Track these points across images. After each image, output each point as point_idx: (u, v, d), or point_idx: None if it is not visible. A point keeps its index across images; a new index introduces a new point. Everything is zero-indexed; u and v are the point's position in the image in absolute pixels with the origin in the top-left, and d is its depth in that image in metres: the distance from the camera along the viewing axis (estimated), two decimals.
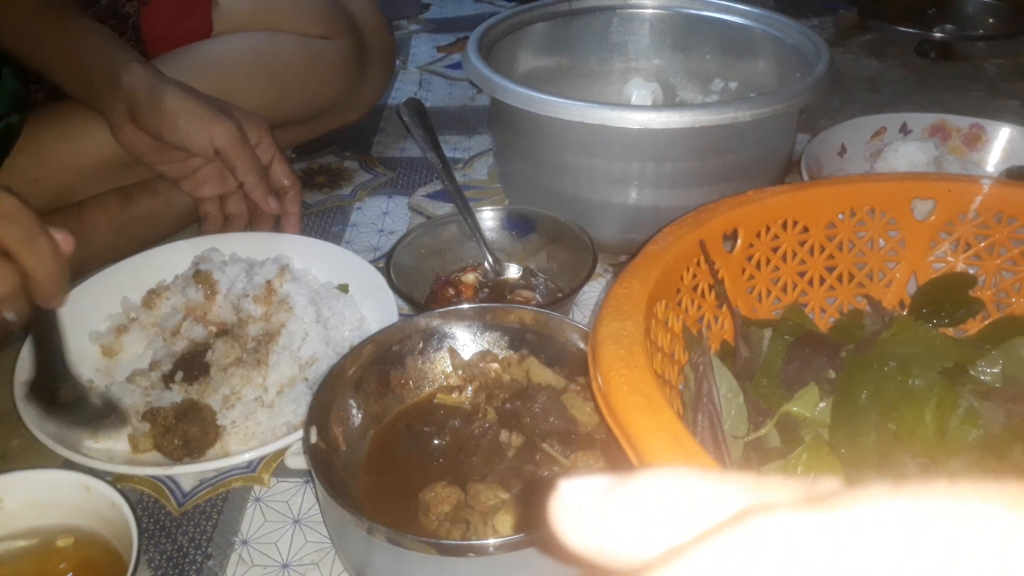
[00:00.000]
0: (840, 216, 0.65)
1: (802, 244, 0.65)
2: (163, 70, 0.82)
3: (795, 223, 0.64)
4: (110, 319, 0.77)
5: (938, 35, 1.45)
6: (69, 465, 0.60)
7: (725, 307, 0.61)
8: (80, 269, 0.81)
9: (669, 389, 0.54)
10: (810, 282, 0.66)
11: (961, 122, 0.96)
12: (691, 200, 0.77)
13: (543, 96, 0.77)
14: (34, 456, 0.65)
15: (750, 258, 0.63)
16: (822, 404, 0.51)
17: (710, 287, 0.61)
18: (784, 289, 0.66)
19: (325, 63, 0.99)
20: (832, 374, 0.54)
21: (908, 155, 0.87)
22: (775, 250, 0.64)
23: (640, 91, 1.02)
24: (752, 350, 0.58)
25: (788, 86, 0.79)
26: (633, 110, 0.79)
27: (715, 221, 0.60)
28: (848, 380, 0.50)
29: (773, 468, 0.49)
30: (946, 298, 0.64)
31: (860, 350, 0.56)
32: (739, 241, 0.62)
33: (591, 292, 0.84)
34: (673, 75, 1.05)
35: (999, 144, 0.95)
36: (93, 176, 0.86)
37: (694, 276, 0.59)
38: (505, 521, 0.51)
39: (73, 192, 0.86)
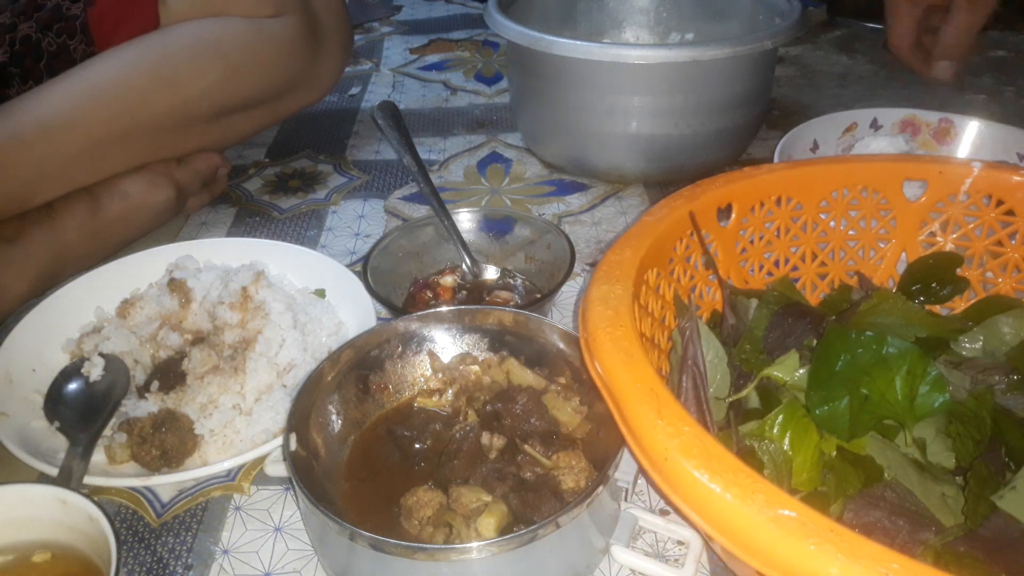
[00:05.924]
0: (833, 194, 0.66)
1: (795, 220, 0.66)
2: (107, 63, 0.84)
3: (789, 200, 0.65)
4: (83, 329, 0.76)
5: None
6: (44, 479, 0.59)
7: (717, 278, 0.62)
8: (55, 277, 0.80)
9: (657, 352, 0.56)
10: (802, 258, 0.68)
11: (930, 117, 0.97)
12: (702, 128, 0.97)
13: (567, 41, 0.92)
14: (7, 471, 0.64)
15: (744, 232, 0.65)
16: (801, 371, 0.52)
17: (703, 258, 0.62)
18: (776, 264, 0.67)
19: (274, 39, 0.97)
20: (815, 343, 0.55)
21: (879, 150, 0.89)
22: (768, 225, 0.66)
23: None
24: (739, 318, 0.59)
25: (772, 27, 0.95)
26: (644, 48, 0.93)
27: (710, 195, 0.61)
28: (826, 347, 0.51)
29: (750, 427, 0.50)
30: (934, 276, 0.65)
31: (841, 320, 0.57)
32: (733, 215, 0.63)
33: (569, 292, 0.84)
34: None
35: (968, 138, 0.96)
36: (51, 174, 0.83)
37: (687, 247, 0.61)
38: (488, 523, 0.51)
39: (33, 195, 0.82)
